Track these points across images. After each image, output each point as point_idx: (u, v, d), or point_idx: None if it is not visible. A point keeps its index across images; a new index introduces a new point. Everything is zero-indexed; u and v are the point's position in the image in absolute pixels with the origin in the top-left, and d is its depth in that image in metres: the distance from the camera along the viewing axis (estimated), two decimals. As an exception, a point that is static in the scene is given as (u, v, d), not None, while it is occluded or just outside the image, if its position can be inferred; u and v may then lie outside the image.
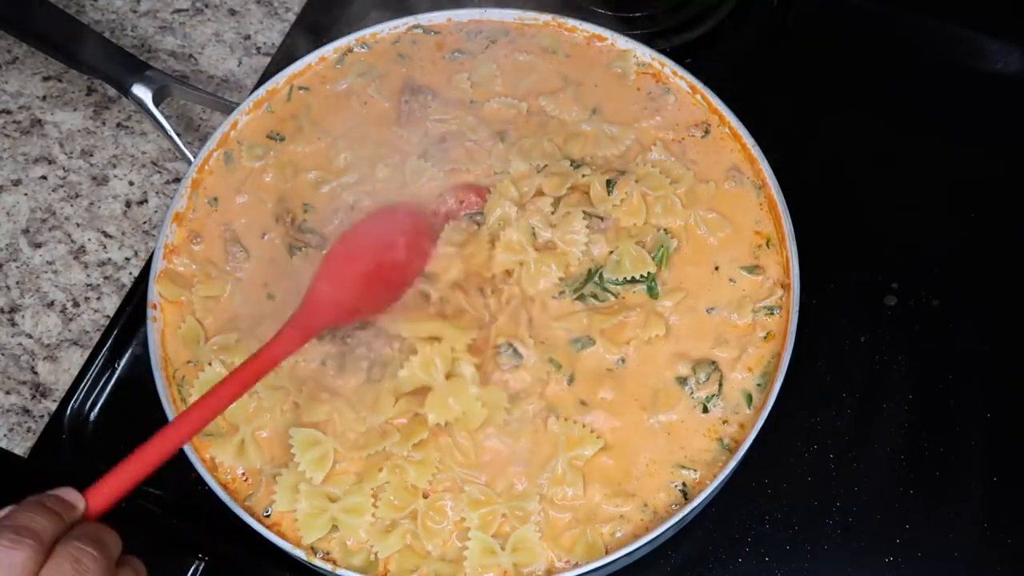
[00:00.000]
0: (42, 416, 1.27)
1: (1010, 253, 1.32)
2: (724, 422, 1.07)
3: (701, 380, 1.08)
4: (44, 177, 1.43)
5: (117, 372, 1.28)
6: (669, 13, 1.47)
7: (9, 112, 1.47)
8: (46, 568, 0.74)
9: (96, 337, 1.30)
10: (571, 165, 1.18)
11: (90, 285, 1.35)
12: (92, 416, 1.26)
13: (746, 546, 1.16)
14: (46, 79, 1.50)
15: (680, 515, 1.01)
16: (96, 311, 1.34)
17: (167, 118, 1.28)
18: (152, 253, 1.18)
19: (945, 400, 1.23)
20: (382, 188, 1.19)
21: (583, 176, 1.17)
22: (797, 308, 1.09)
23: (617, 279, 1.12)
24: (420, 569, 1.02)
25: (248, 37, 1.53)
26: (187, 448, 1.06)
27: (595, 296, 1.12)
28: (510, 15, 1.30)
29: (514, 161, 1.19)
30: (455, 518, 1.04)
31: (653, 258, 1.13)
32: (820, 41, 1.50)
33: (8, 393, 1.29)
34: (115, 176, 1.43)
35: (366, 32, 1.30)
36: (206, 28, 1.54)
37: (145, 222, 1.39)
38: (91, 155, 1.44)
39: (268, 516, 1.05)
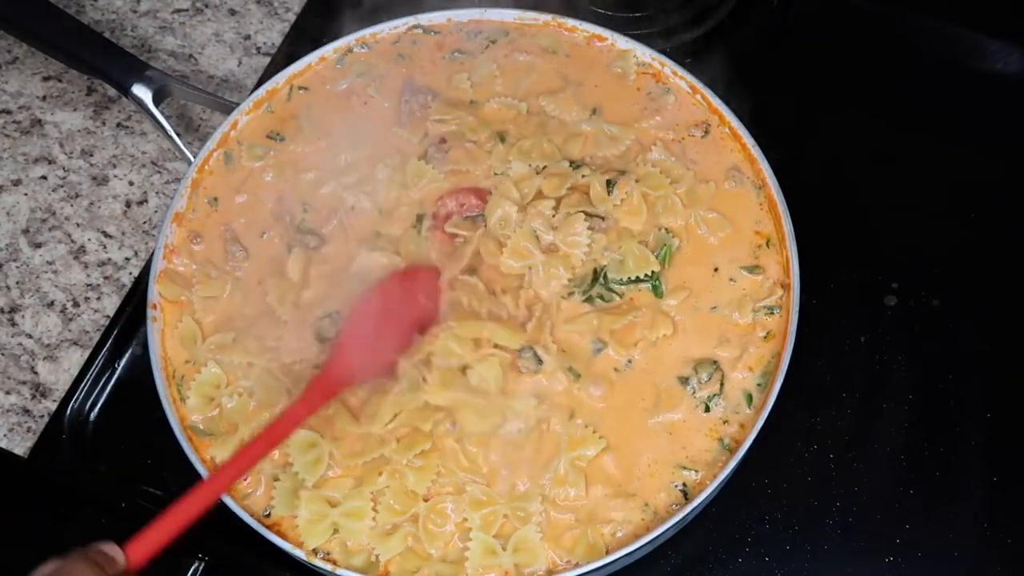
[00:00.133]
0: (42, 416, 1.27)
1: (1010, 253, 1.32)
2: (724, 422, 1.07)
3: (703, 380, 1.08)
4: (44, 177, 1.43)
5: (117, 372, 1.28)
6: (669, 13, 1.47)
7: (9, 112, 1.47)
8: None
9: (96, 337, 1.30)
10: (571, 166, 1.18)
11: (90, 285, 1.35)
12: (92, 416, 1.26)
13: (746, 546, 1.16)
14: (46, 79, 1.50)
15: (680, 515, 1.01)
16: (96, 311, 1.34)
17: (167, 118, 1.27)
18: (152, 253, 1.19)
19: (945, 400, 1.23)
20: (382, 189, 1.19)
21: (583, 177, 1.17)
22: (797, 308, 1.09)
23: (621, 279, 1.13)
24: (421, 570, 1.02)
25: (248, 37, 1.53)
26: (187, 448, 1.06)
27: (601, 297, 1.13)
28: (510, 15, 1.30)
29: (514, 162, 1.19)
30: (456, 519, 1.04)
31: (656, 256, 1.13)
32: (820, 41, 1.50)
33: (8, 393, 1.29)
34: (115, 176, 1.43)
35: (366, 32, 1.30)
36: (206, 28, 1.54)
37: (145, 222, 1.39)
38: (91, 155, 1.44)
39: (268, 516, 1.05)
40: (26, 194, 1.41)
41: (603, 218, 1.15)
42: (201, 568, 1.15)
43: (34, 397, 1.28)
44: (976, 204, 1.35)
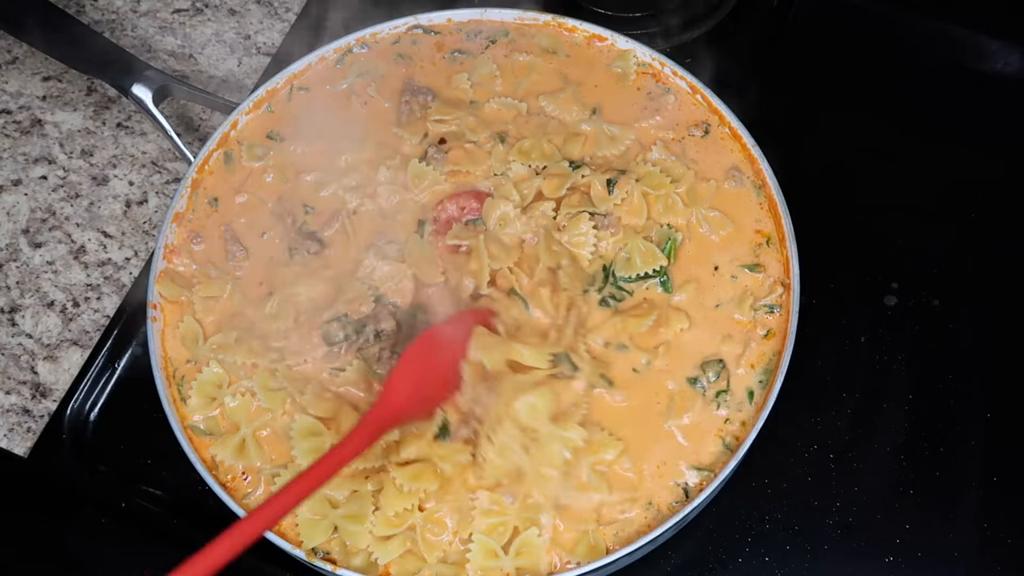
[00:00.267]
0: (42, 416, 1.27)
1: (1010, 253, 1.32)
2: (727, 420, 1.07)
3: (711, 379, 1.08)
4: (44, 177, 1.43)
5: (117, 372, 1.28)
6: (669, 13, 1.47)
7: (9, 112, 1.47)
8: None
9: (96, 337, 1.30)
10: (570, 166, 1.18)
11: (90, 285, 1.35)
12: (92, 416, 1.26)
13: (746, 546, 1.16)
14: (46, 79, 1.50)
15: (681, 514, 1.01)
16: (96, 311, 1.34)
17: (167, 118, 1.28)
18: (152, 253, 1.19)
19: (945, 400, 1.23)
20: (384, 191, 1.19)
21: (583, 177, 1.17)
22: (797, 308, 1.09)
23: (630, 276, 1.13)
24: (422, 572, 1.02)
25: (248, 37, 1.53)
26: (187, 448, 1.06)
27: (613, 297, 1.13)
28: (510, 15, 1.30)
29: (513, 164, 1.19)
30: (453, 528, 1.03)
31: (662, 251, 1.13)
32: (820, 41, 1.50)
33: (8, 393, 1.29)
34: (115, 176, 1.43)
35: (366, 32, 1.30)
36: (206, 28, 1.54)
37: (145, 222, 1.39)
38: (91, 155, 1.44)
39: (268, 516, 1.05)
40: (26, 194, 1.41)
41: (605, 215, 1.15)
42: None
43: (34, 397, 1.29)
44: (976, 204, 1.35)
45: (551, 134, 1.22)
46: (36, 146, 1.45)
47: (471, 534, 1.02)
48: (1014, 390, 1.23)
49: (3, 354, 1.31)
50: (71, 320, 1.33)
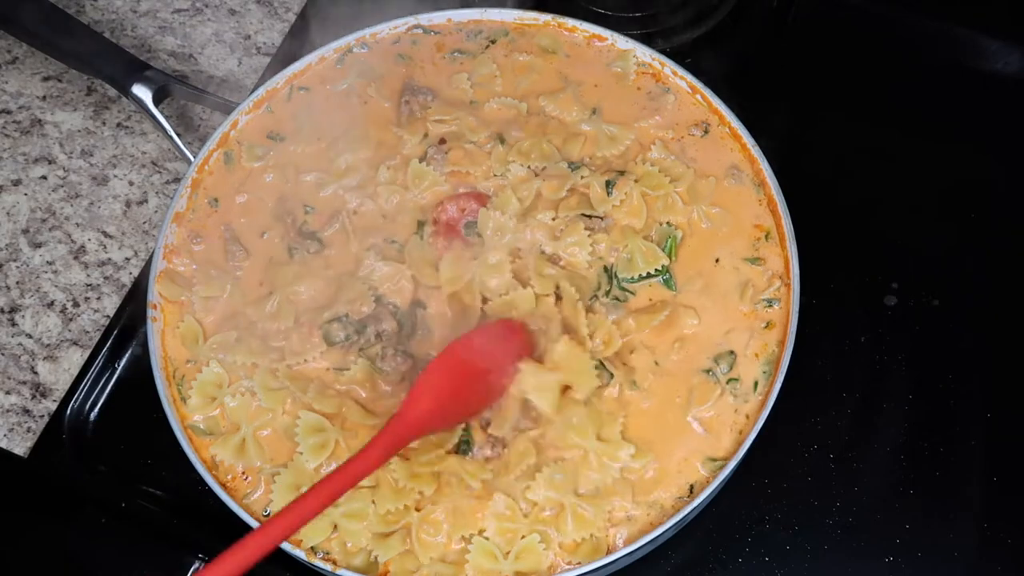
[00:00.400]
0: (42, 416, 1.27)
1: (1010, 253, 1.32)
2: (735, 411, 1.08)
3: (724, 370, 1.09)
4: (44, 177, 1.43)
5: (117, 372, 1.28)
6: (669, 13, 1.47)
7: (9, 112, 1.47)
8: None
9: (96, 337, 1.30)
10: (570, 167, 1.18)
11: (90, 285, 1.35)
12: (92, 416, 1.26)
13: (746, 546, 1.16)
14: (46, 79, 1.50)
15: (683, 512, 1.01)
16: (96, 311, 1.34)
17: (167, 118, 1.28)
18: (152, 253, 1.19)
19: (945, 400, 1.23)
20: (384, 192, 1.19)
21: (582, 178, 1.17)
22: (797, 308, 1.09)
23: (632, 276, 1.13)
24: (421, 570, 1.02)
25: (248, 37, 1.53)
26: (187, 448, 1.06)
27: (617, 298, 1.13)
28: (510, 15, 1.30)
29: (512, 166, 1.19)
30: (449, 529, 1.03)
31: (663, 250, 1.13)
32: (820, 41, 1.50)
33: (8, 393, 1.29)
34: (115, 176, 1.43)
35: (366, 32, 1.30)
36: (206, 28, 1.54)
37: (145, 222, 1.39)
38: (91, 155, 1.44)
39: (268, 516, 1.05)
40: (26, 194, 1.41)
41: (602, 217, 1.16)
42: (201, 568, 1.15)
43: (34, 397, 1.29)
44: (976, 204, 1.35)
45: (551, 134, 1.22)
46: (36, 146, 1.45)
47: (471, 535, 1.02)
48: (1014, 390, 1.23)
49: (3, 354, 1.31)
50: (71, 320, 1.33)
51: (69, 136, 1.45)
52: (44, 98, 1.48)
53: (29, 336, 1.32)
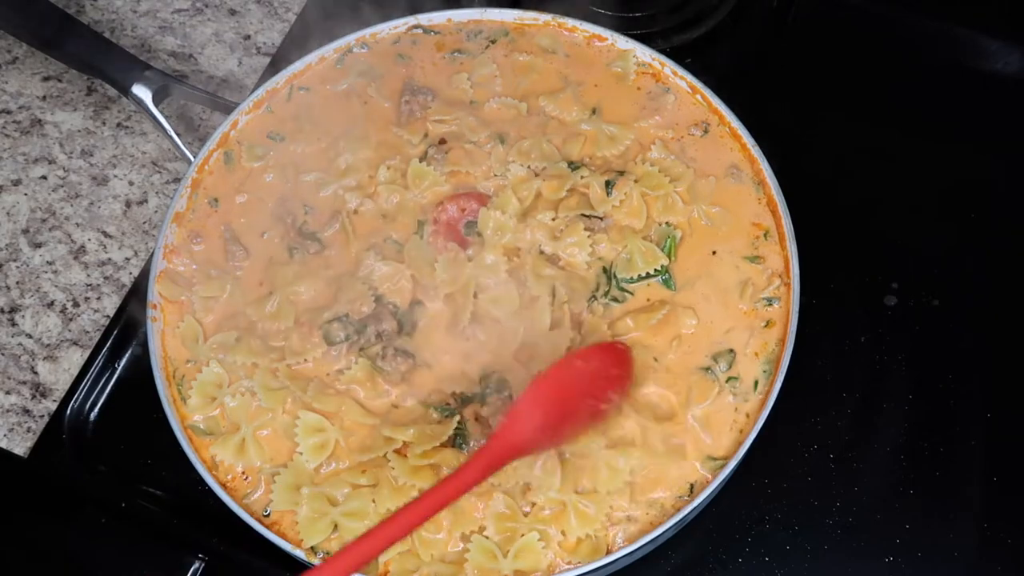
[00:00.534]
0: (42, 416, 1.27)
1: (1010, 253, 1.32)
2: (735, 409, 1.08)
3: (723, 369, 1.09)
4: (44, 177, 1.43)
5: (117, 372, 1.28)
6: (669, 13, 1.47)
7: (9, 112, 1.47)
8: None
9: (96, 337, 1.30)
10: (570, 167, 1.18)
11: (90, 285, 1.35)
12: (92, 416, 1.26)
13: (746, 546, 1.16)
14: (46, 79, 1.50)
15: (683, 512, 1.01)
16: (96, 311, 1.34)
17: (167, 118, 1.28)
18: (152, 253, 1.19)
19: (945, 400, 1.23)
20: (384, 192, 1.19)
21: (582, 178, 1.17)
22: (797, 308, 1.09)
23: (631, 277, 1.13)
24: (420, 570, 1.02)
25: (248, 37, 1.53)
26: (187, 448, 1.06)
27: (616, 299, 1.13)
28: (510, 15, 1.30)
29: (512, 166, 1.19)
30: (449, 526, 1.03)
31: (662, 250, 1.13)
32: (820, 41, 1.50)
33: (8, 393, 1.29)
34: (115, 176, 1.43)
35: (366, 32, 1.30)
36: (206, 28, 1.54)
37: (145, 222, 1.39)
38: (91, 155, 1.44)
39: (268, 516, 1.05)
40: (26, 194, 1.41)
41: (601, 217, 1.16)
42: (201, 568, 1.15)
43: (34, 397, 1.29)
44: (976, 204, 1.35)
45: (551, 134, 1.22)
46: (36, 146, 1.45)
47: (471, 532, 1.02)
48: (1014, 390, 1.23)
49: (3, 354, 1.31)
50: (71, 320, 1.33)
51: (69, 136, 1.45)
52: (44, 98, 1.48)
53: (29, 336, 1.32)
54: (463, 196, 1.18)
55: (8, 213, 1.40)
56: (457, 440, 1.06)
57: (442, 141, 1.22)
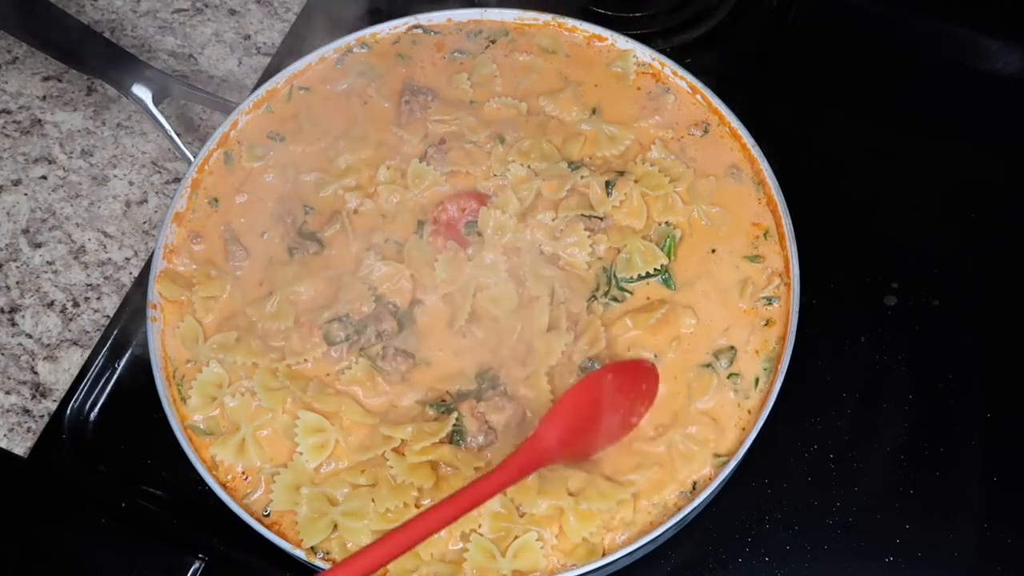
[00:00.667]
0: (42, 416, 1.27)
1: (1010, 253, 1.32)
2: (738, 406, 1.08)
3: (723, 365, 1.09)
4: (44, 177, 1.43)
5: (117, 372, 1.28)
6: (669, 13, 1.47)
7: (9, 112, 1.47)
8: None
9: (96, 337, 1.30)
10: (570, 167, 1.18)
11: (90, 285, 1.35)
12: (92, 416, 1.26)
13: (746, 546, 1.16)
14: (46, 79, 1.50)
15: (683, 512, 1.01)
16: (96, 311, 1.34)
17: (167, 118, 1.28)
18: (152, 253, 1.19)
19: (945, 400, 1.23)
20: (384, 192, 1.19)
21: (582, 178, 1.17)
22: (797, 308, 1.09)
23: (631, 276, 1.13)
24: (420, 570, 1.02)
25: (248, 37, 1.53)
26: (187, 448, 1.06)
27: (615, 298, 1.13)
28: (510, 15, 1.30)
29: (512, 166, 1.19)
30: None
31: (662, 249, 1.13)
32: (820, 41, 1.50)
33: (8, 393, 1.29)
34: (115, 176, 1.43)
35: (366, 32, 1.30)
36: (206, 28, 1.54)
37: (145, 222, 1.39)
38: (91, 155, 1.44)
39: (268, 516, 1.05)
40: (26, 194, 1.41)
41: (601, 218, 1.16)
42: (201, 568, 1.15)
43: (34, 397, 1.29)
44: (976, 204, 1.35)
45: (551, 134, 1.22)
46: (36, 146, 1.45)
47: (471, 531, 1.02)
48: (1014, 390, 1.23)
49: (3, 354, 1.31)
50: (71, 320, 1.33)
51: (69, 136, 1.45)
52: (44, 98, 1.48)
53: (29, 336, 1.32)
54: (463, 196, 1.18)
55: (8, 213, 1.40)
56: (455, 437, 1.06)
57: (442, 141, 1.22)
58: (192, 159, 1.22)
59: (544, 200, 1.18)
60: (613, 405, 1.04)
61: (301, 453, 1.06)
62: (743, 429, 1.07)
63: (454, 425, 1.05)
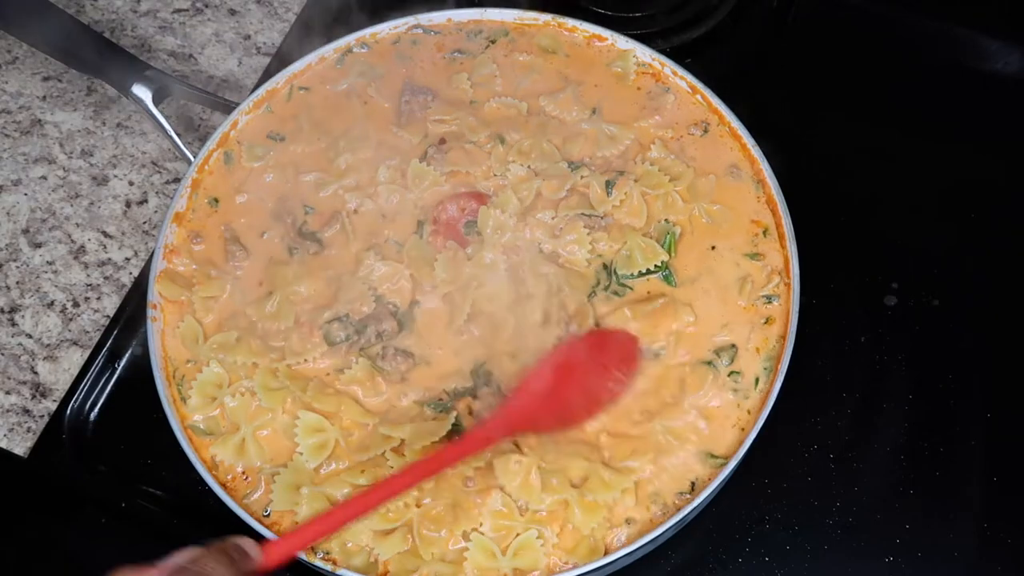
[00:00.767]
0: (42, 416, 1.27)
1: (1010, 253, 1.32)
2: (737, 406, 1.08)
3: (724, 363, 1.09)
4: (44, 177, 1.43)
5: (117, 372, 1.28)
6: (669, 13, 1.47)
7: (9, 112, 1.47)
8: None
9: (96, 337, 1.30)
10: (570, 167, 1.18)
11: (90, 285, 1.35)
12: (92, 416, 1.26)
13: (746, 546, 1.16)
14: (46, 79, 1.50)
15: (684, 512, 1.01)
16: (96, 311, 1.34)
17: (167, 118, 1.28)
18: (152, 253, 1.19)
19: (945, 400, 1.23)
20: (384, 192, 1.19)
21: (582, 178, 1.17)
22: (797, 308, 1.09)
23: (632, 273, 1.13)
24: (420, 570, 1.02)
25: (248, 37, 1.53)
26: (187, 448, 1.06)
27: (616, 293, 1.13)
28: (510, 15, 1.30)
29: (512, 165, 1.19)
30: (450, 524, 1.03)
31: (662, 246, 1.13)
32: (820, 41, 1.50)
33: (8, 393, 1.29)
34: (115, 176, 1.43)
35: (366, 32, 1.30)
36: (206, 28, 1.54)
37: (145, 222, 1.39)
38: (91, 155, 1.44)
39: (268, 516, 1.05)
40: (26, 194, 1.41)
41: (601, 216, 1.16)
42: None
43: (34, 397, 1.28)
44: (976, 204, 1.35)
45: (551, 134, 1.22)
46: (36, 146, 1.45)
47: (473, 530, 1.02)
48: (1014, 390, 1.23)
49: (3, 354, 1.31)
50: (71, 320, 1.33)
51: (69, 136, 1.45)
52: (44, 98, 1.48)
53: (29, 336, 1.32)
54: (463, 196, 1.18)
55: (8, 213, 1.40)
56: (453, 436, 1.06)
57: (442, 141, 1.22)
58: (192, 159, 1.22)
59: (544, 200, 1.18)
60: (588, 371, 1.04)
61: (301, 453, 1.06)
62: (743, 429, 1.07)
63: (452, 424, 1.06)
